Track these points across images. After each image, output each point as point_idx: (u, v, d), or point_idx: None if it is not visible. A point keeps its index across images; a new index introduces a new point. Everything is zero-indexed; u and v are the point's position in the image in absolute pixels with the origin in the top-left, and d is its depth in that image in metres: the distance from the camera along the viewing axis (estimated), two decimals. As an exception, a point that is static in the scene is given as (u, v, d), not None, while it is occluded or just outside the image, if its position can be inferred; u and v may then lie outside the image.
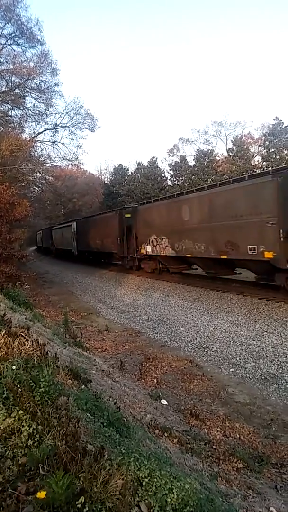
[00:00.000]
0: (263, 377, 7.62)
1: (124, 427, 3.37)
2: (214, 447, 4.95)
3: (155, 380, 7.59)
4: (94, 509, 1.71)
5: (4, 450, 2.10)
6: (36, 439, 2.18)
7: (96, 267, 28.99)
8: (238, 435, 5.51)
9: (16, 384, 2.67)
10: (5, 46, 25.88)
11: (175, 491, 2.17)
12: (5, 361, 3.08)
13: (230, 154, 43.39)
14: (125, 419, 3.70)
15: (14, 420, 2.27)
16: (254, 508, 3.50)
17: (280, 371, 7.71)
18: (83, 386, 4.13)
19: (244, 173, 29.59)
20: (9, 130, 25.96)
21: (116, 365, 8.26)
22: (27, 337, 4.27)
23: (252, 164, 41.45)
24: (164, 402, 6.48)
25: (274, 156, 39.09)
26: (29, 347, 3.78)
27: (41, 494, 1.70)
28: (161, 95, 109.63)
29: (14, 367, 2.92)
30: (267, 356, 8.50)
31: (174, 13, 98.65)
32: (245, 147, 43.09)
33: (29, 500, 1.75)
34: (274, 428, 5.79)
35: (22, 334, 4.42)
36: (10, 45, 26.07)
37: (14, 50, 26.35)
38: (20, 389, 2.60)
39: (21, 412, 2.33)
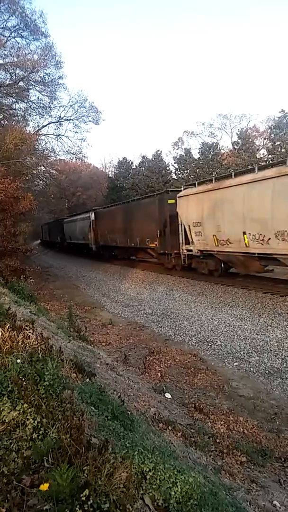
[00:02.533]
0: (267, 371, 7.62)
1: (128, 420, 3.38)
2: (218, 440, 4.95)
3: (159, 374, 7.61)
4: (99, 502, 1.72)
5: (9, 443, 2.11)
6: (40, 432, 2.19)
7: (100, 261, 29.00)
8: (242, 429, 5.52)
9: (20, 377, 2.68)
10: (9, 38, 25.84)
11: (179, 484, 2.18)
12: (10, 354, 3.09)
13: (235, 147, 43.26)
14: (129, 413, 3.71)
15: (18, 413, 2.28)
16: (258, 501, 3.51)
17: (284, 365, 7.71)
18: (87, 380, 4.15)
19: (250, 166, 29.40)
20: (13, 123, 25.93)
21: (120, 359, 8.29)
22: (31, 331, 4.29)
23: (258, 157, 41.23)
24: (168, 395, 6.50)
25: (279, 149, 38.85)
26: (33, 341, 3.79)
27: (44, 487, 1.72)
28: (165, 87, 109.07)
29: (18, 361, 2.94)
30: (271, 350, 8.49)
31: (178, 4, 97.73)
32: (250, 140, 42.88)
33: (33, 493, 1.76)
34: (278, 422, 5.80)
35: (27, 327, 4.44)
36: (14, 37, 26.08)
37: (18, 43, 26.37)
38: (24, 383, 2.61)
39: (25, 405, 2.34)
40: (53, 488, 1.72)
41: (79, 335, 8.68)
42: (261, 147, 44.73)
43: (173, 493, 2.13)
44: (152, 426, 4.20)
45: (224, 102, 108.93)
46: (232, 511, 2.63)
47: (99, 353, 7.43)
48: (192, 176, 41.87)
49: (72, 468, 1.83)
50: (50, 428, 2.22)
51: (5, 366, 2.82)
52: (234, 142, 44.59)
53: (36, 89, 27.94)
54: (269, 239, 11.60)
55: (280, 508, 3.56)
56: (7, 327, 3.84)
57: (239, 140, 42.83)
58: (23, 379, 2.66)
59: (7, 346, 3.32)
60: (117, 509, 1.74)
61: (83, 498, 1.69)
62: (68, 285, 21.11)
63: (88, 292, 18.60)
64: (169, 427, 4.60)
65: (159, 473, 2.19)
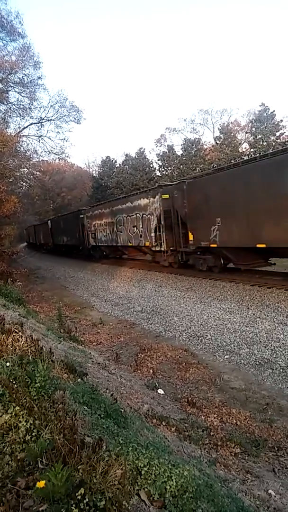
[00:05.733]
0: (257, 363, 7.70)
1: (122, 418, 3.39)
2: (211, 433, 5.00)
3: (151, 371, 7.63)
4: (94, 500, 1.72)
5: (2, 446, 2.10)
6: (33, 434, 2.19)
7: (88, 261, 28.88)
8: (234, 421, 5.57)
9: (11, 380, 2.67)
10: (-15, 40, 25.49)
11: (174, 478, 2.20)
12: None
13: (218, 142, 43.37)
14: (122, 410, 3.72)
15: (11, 416, 2.27)
16: (253, 491, 3.56)
17: (274, 356, 7.80)
18: (79, 380, 4.14)
19: (232, 161, 29.58)
20: (-7, 125, 25.65)
21: (111, 358, 8.29)
22: (21, 334, 4.26)
23: (240, 151, 41.47)
24: (160, 391, 6.53)
25: (261, 143, 39.16)
26: (23, 343, 3.77)
27: (41, 483, 1.72)
28: (146, 84, 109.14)
29: (8, 364, 2.92)
30: (260, 341, 8.58)
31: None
32: (232, 134, 43.08)
33: (29, 495, 1.76)
34: (270, 412, 5.87)
35: (16, 330, 4.40)
36: (-10, 39, 25.70)
37: (-5, 45, 26.02)
38: (15, 385, 2.60)
39: (17, 408, 2.33)
40: (49, 488, 1.72)
41: (69, 336, 8.66)
42: (243, 141, 45.00)
43: (168, 487, 2.15)
44: (145, 422, 4.22)
45: (205, 97, 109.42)
46: (228, 502, 2.65)
47: (90, 353, 7.42)
48: (176, 173, 41.95)
49: (66, 468, 1.83)
50: (43, 429, 2.21)
51: (-5, 370, 2.80)
52: (216, 137, 44.69)
53: (15, 91, 27.71)
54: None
55: (275, 496, 3.61)
56: (-5, 331, 3.81)
57: (221, 135, 42.97)
58: (14, 382, 2.65)
59: (-4, 350, 3.30)
60: (113, 506, 1.75)
61: (79, 497, 1.69)
62: (56, 286, 20.99)
63: (77, 293, 18.52)
64: (163, 423, 4.63)
65: (154, 468, 2.20)
